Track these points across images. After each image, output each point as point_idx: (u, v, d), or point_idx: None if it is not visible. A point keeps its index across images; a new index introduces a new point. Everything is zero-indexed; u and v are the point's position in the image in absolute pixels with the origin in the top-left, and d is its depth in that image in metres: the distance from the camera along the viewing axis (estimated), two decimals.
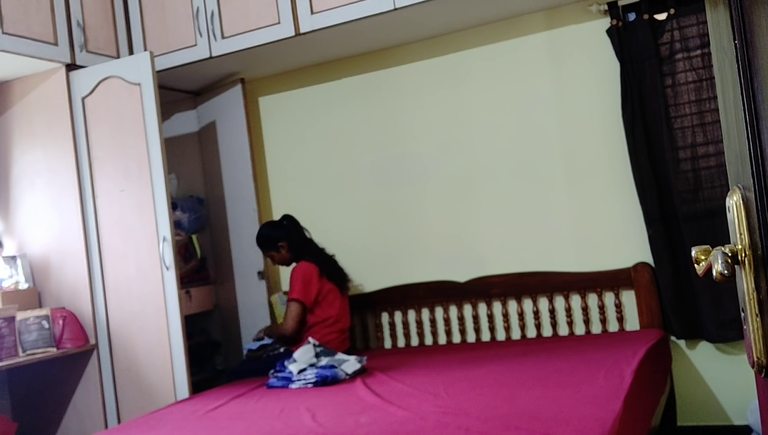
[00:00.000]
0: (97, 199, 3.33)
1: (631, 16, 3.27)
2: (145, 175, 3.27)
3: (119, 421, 3.27)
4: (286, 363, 3.06)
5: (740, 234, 0.87)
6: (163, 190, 3.23)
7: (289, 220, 3.60)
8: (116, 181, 3.32)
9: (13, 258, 3.34)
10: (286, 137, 4.06)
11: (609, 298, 3.38)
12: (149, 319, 3.27)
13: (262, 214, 3.98)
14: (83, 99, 3.35)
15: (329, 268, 3.52)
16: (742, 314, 0.88)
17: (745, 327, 0.88)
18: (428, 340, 3.73)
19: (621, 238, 3.35)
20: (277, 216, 4.06)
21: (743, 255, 0.86)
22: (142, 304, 3.28)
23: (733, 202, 0.89)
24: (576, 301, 3.43)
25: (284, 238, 3.54)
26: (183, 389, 3.18)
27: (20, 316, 3.09)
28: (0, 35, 3.00)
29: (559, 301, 3.46)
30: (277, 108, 4.08)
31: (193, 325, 3.85)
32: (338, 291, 3.51)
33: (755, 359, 0.86)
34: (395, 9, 3.15)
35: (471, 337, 3.64)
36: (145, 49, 3.62)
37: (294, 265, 3.53)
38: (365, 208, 3.85)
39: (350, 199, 3.88)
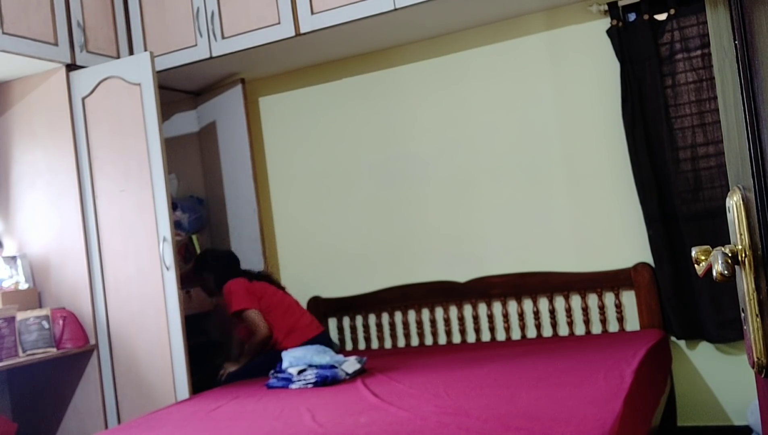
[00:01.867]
0: (97, 199, 3.33)
1: (631, 17, 3.27)
2: (145, 175, 3.26)
3: (119, 421, 3.26)
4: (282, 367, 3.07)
5: (740, 234, 0.87)
6: (163, 190, 3.23)
7: (229, 256, 3.66)
8: (116, 181, 3.32)
9: (13, 258, 3.34)
10: (286, 137, 4.06)
11: (609, 298, 3.38)
12: (149, 320, 3.26)
13: (263, 214, 3.98)
14: (83, 99, 3.35)
15: (259, 276, 3.57)
16: (742, 314, 0.88)
17: (745, 327, 0.88)
18: (428, 340, 3.73)
19: (621, 238, 3.35)
20: (277, 216, 4.06)
21: (743, 255, 0.86)
22: (142, 305, 3.28)
23: (733, 202, 0.89)
24: (576, 301, 3.43)
25: (211, 271, 3.54)
26: (183, 389, 3.17)
27: (20, 316, 3.09)
28: (0, 35, 3.00)
29: (560, 302, 3.46)
30: (277, 108, 4.08)
31: (193, 326, 3.84)
32: (275, 289, 3.54)
33: (755, 359, 0.86)
34: (395, 9, 3.15)
35: (471, 338, 3.64)
36: (146, 49, 3.61)
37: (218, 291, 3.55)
38: (365, 208, 3.85)
39: (350, 199, 3.88)
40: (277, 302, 3.48)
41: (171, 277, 3.21)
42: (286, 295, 3.57)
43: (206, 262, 3.60)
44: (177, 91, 4.03)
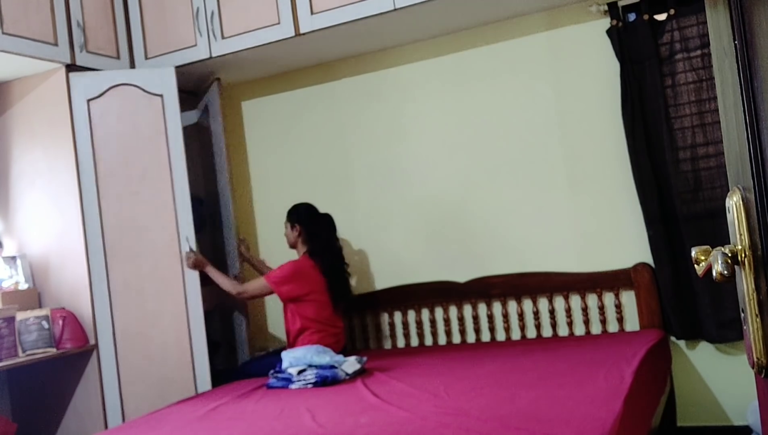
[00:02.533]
0: (103, 200, 3.34)
1: (631, 17, 3.27)
2: (165, 180, 3.43)
3: (124, 420, 3.27)
4: (282, 367, 3.07)
5: (740, 234, 0.87)
6: (186, 193, 3.44)
7: (324, 218, 3.55)
8: (129, 183, 3.39)
9: (13, 258, 3.34)
10: (286, 137, 4.05)
11: (609, 298, 3.38)
12: (166, 316, 3.38)
13: (241, 217, 4.01)
14: (88, 101, 3.35)
15: (332, 282, 3.44)
16: (742, 314, 0.88)
17: (745, 327, 0.88)
18: (428, 341, 3.73)
19: (621, 239, 3.35)
20: (276, 216, 4.05)
21: (743, 255, 0.86)
22: (158, 302, 3.38)
23: (733, 202, 0.89)
24: (576, 301, 3.43)
25: (302, 223, 3.49)
26: (205, 384, 3.35)
27: (20, 316, 3.08)
28: (0, 35, 3.00)
29: (559, 302, 3.46)
30: (276, 109, 4.07)
31: None
32: (327, 301, 3.44)
33: (755, 359, 0.86)
34: (395, 9, 3.15)
35: (471, 338, 3.64)
36: (145, 49, 3.64)
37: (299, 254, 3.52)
38: (365, 208, 3.85)
39: (350, 199, 3.88)
40: (318, 313, 3.39)
41: (194, 275, 3.43)
42: (330, 310, 3.43)
43: (301, 214, 3.53)
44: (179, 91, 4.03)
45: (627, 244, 3.33)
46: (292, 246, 3.56)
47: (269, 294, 3.46)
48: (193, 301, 3.43)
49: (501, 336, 3.57)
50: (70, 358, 3.26)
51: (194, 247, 3.42)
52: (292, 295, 3.37)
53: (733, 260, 0.87)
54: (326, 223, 3.53)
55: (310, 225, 3.50)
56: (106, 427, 3.23)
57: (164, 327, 3.38)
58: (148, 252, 3.39)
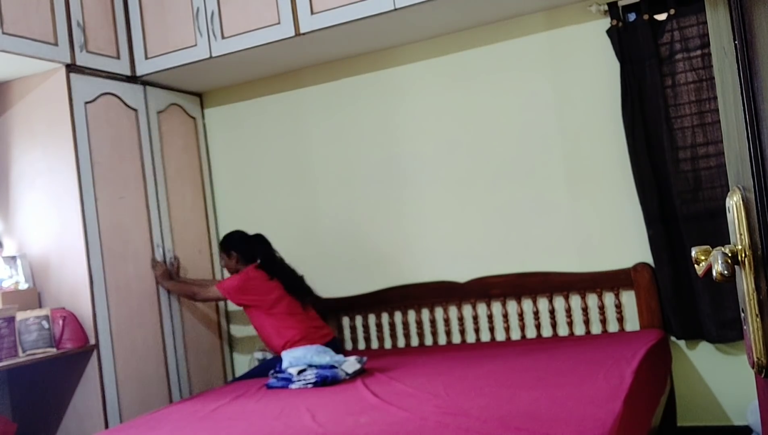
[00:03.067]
0: (99, 202, 3.38)
1: (631, 17, 3.27)
2: (140, 188, 3.61)
3: (121, 420, 3.27)
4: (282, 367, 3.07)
5: (740, 234, 0.87)
6: (156, 203, 3.67)
7: (256, 238, 3.61)
8: (116, 188, 3.49)
9: (13, 258, 3.34)
10: (287, 138, 4.05)
11: (609, 298, 3.38)
12: (146, 317, 3.51)
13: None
14: (86, 104, 3.38)
15: (291, 284, 3.51)
16: (742, 314, 0.88)
17: (745, 327, 0.88)
18: (428, 341, 3.73)
19: (621, 239, 3.35)
20: (275, 216, 4.05)
21: (743, 255, 0.86)
22: (140, 303, 3.51)
23: (733, 202, 0.89)
24: (576, 301, 3.43)
25: (237, 249, 3.56)
26: (176, 386, 3.47)
27: (20, 316, 3.08)
28: (0, 35, 2.99)
29: (559, 302, 3.46)
30: (273, 109, 4.07)
31: None
32: (284, 292, 3.48)
33: (755, 359, 0.86)
34: (395, 9, 3.15)
35: (471, 338, 3.64)
36: (146, 49, 3.64)
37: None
38: (365, 208, 3.85)
39: (350, 199, 3.88)
40: (285, 307, 3.43)
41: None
42: (295, 301, 3.47)
43: (234, 241, 3.60)
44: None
45: (627, 244, 3.33)
46: (233, 272, 3.60)
47: (222, 300, 3.57)
48: (165, 304, 3.64)
49: (501, 336, 3.57)
50: (70, 358, 3.26)
51: (159, 259, 3.63)
52: (243, 302, 3.45)
53: (733, 260, 0.87)
54: (259, 242, 3.59)
55: (245, 247, 3.57)
56: (106, 427, 3.23)
57: (145, 327, 3.51)
58: (131, 255, 3.52)
